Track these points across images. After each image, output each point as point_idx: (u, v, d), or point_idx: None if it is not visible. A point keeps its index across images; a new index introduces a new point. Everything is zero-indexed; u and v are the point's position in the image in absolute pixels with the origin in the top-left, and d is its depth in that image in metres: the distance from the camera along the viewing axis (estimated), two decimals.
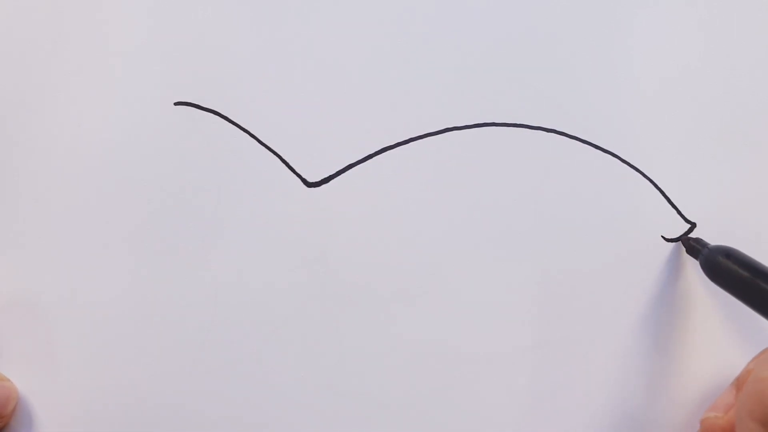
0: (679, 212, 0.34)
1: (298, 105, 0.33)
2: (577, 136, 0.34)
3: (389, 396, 0.33)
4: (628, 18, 0.34)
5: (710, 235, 0.34)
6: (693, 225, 0.34)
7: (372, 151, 0.33)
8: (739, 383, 0.30)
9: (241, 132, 0.32)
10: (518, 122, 0.34)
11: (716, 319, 0.34)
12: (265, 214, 0.32)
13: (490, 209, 0.33)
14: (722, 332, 0.34)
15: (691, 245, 0.33)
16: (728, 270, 0.31)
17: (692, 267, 0.34)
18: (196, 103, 0.32)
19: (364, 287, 0.33)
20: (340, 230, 0.33)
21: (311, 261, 0.33)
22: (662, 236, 0.34)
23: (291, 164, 0.33)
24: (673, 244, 0.34)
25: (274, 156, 0.33)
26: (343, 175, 0.33)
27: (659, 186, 0.34)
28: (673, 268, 0.34)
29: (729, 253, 0.31)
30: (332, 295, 0.33)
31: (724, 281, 0.31)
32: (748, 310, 0.30)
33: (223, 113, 0.32)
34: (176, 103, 0.32)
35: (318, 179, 0.33)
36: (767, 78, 0.35)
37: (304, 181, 0.33)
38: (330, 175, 0.33)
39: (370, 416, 0.33)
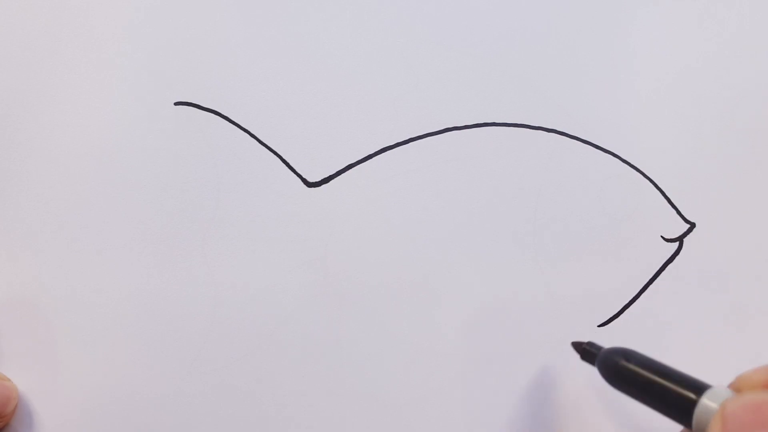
0: (679, 212, 0.34)
1: (298, 105, 0.33)
2: (577, 136, 0.34)
3: (389, 395, 0.33)
4: (628, 18, 0.34)
5: (710, 235, 0.34)
6: (692, 225, 0.34)
7: (372, 151, 0.33)
8: None
9: (241, 132, 0.32)
10: (518, 122, 0.34)
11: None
12: (265, 214, 0.32)
13: (489, 209, 0.33)
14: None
15: (585, 350, 0.31)
16: (629, 373, 0.28)
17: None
18: (196, 103, 0.32)
19: (364, 287, 0.33)
20: (340, 230, 0.33)
21: (311, 261, 0.33)
22: (662, 236, 0.34)
23: (291, 164, 0.33)
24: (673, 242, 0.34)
25: (274, 156, 0.33)
26: (343, 175, 0.33)
27: (659, 186, 0.34)
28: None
29: (628, 355, 0.28)
30: (332, 295, 0.33)
31: (625, 385, 0.28)
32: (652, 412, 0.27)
33: (223, 113, 0.32)
34: (176, 103, 0.32)
35: (318, 179, 0.33)
36: (767, 77, 0.35)
37: (304, 181, 0.33)
38: (330, 175, 0.33)
39: (369, 416, 0.33)
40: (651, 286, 0.34)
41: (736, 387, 0.26)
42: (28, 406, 0.32)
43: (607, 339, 0.34)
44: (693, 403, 0.25)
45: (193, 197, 0.32)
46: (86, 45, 0.32)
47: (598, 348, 0.30)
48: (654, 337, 0.34)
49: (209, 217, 0.32)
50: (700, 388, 0.26)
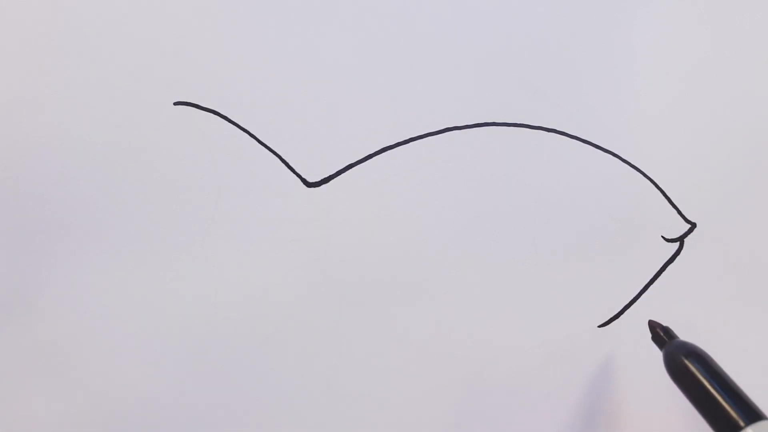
0: (680, 212, 0.34)
1: (298, 105, 0.33)
2: (577, 136, 0.34)
3: (389, 396, 0.33)
4: (629, 18, 0.34)
5: (711, 235, 0.34)
6: (693, 225, 0.34)
7: (372, 151, 0.33)
8: None
9: (241, 132, 0.32)
10: (519, 122, 0.34)
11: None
12: (265, 214, 0.32)
13: (489, 209, 0.33)
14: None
15: (658, 333, 0.31)
16: (689, 373, 0.27)
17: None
18: (196, 103, 0.32)
19: (364, 287, 0.33)
20: (340, 230, 0.33)
21: (311, 261, 0.33)
22: (662, 236, 0.34)
23: (291, 164, 0.33)
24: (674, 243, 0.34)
25: (274, 156, 0.33)
26: (343, 175, 0.33)
27: (660, 186, 0.34)
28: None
29: (694, 356, 0.28)
30: (332, 295, 0.33)
31: (682, 382, 0.28)
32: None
33: (223, 113, 0.32)
34: (176, 103, 0.32)
35: (318, 179, 0.33)
36: (767, 77, 0.35)
37: (304, 181, 0.33)
38: (330, 175, 0.33)
39: (369, 416, 0.33)
40: (651, 287, 0.34)
41: None
42: (28, 406, 0.32)
43: (607, 339, 0.34)
44: (738, 429, 0.24)
45: (193, 197, 0.32)
46: (86, 45, 0.32)
47: (672, 336, 0.30)
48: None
49: (209, 217, 0.32)
50: (751, 416, 0.25)
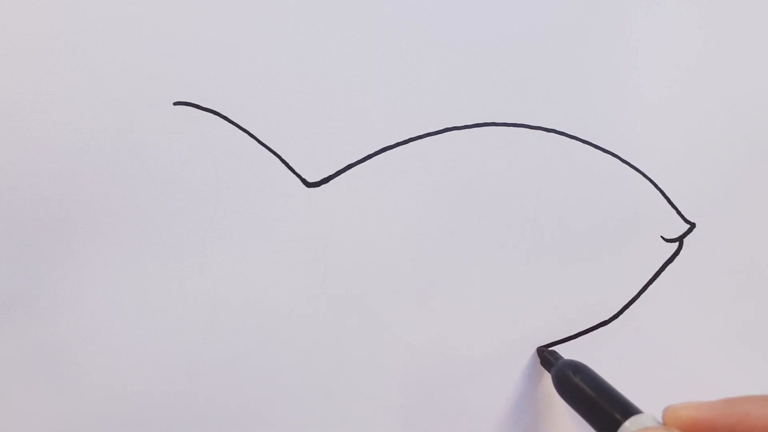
0: (679, 212, 0.34)
1: (298, 105, 0.33)
2: (577, 136, 0.34)
3: (388, 396, 0.33)
4: (629, 18, 0.34)
5: (710, 235, 0.34)
6: (692, 225, 0.34)
7: (372, 151, 0.33)
8: None
9: (241, 132, 0.32)
10: (518, 122, 0.34)
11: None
12: (264, 214, 0.32)
13: (489, 209, 0.33)
14: None
15: (545, 357, 0.33)
16: (574, 386, 0.30)
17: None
18: (196, 103, 0.32)
19: (364, 287, 0.33)
20: (340, 230, 0.33)
21: (311, 261, 0.33)
22: (662, 236, 0.34)
23: (291, 164, 0.33)
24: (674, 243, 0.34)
25: (274, 156, 0.33)
26: (343, 175, 0.33)
27: (659, 186, 0.34)
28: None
29: (577, 370, 0.30)
30: (332, 295, 0.33)
31: (568, 395, 0.30)
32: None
33: (222, 113, 0.32)
34: (176, 103, 0.32)
35: (318, 179, 0.33)
36: (767, 78, 0.35)
37: (304, 181, 0.33)
38: (330, 175, 0.33)
39: (369, 416, 0.33)
40: (651, 287, 0.34)
41: (663, 417, 0.25)
42: (27, 406, 0.32)
43: (607, 339, 0.34)
44: (618, 425, 0.26)
45: (193, 197, 0.32)
46: (86, 44, 0.32)
47: (557, 357, 0.32)
48: (654, 337, 0.34)
49: (209, 216, 0.32)
50: (628, 412, 0.27)
